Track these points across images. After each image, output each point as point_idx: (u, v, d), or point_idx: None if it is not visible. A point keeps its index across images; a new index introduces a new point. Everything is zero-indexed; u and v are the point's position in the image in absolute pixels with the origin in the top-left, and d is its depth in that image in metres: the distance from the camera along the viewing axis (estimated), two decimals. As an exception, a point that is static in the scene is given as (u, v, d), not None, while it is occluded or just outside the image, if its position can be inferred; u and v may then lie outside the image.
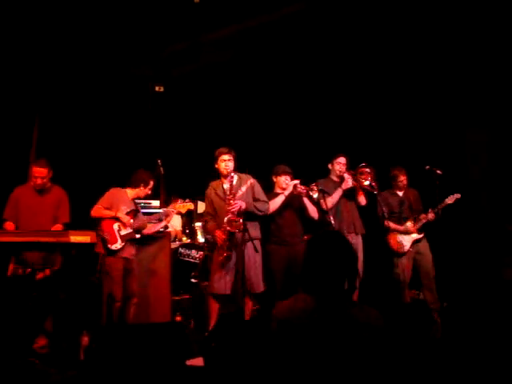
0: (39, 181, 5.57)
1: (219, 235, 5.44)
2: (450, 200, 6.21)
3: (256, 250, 5.43)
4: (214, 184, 5.74)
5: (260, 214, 5.62)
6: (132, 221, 5.62)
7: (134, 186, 5.74)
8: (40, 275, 5.31)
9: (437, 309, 6.07)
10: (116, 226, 5.53)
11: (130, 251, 5.62)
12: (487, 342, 4.67)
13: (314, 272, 2.59)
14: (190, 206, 5.89)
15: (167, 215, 5.84)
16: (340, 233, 3.05)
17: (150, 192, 5.84)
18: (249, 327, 5.02)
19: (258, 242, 5.58)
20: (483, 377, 3.97)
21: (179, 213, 6.12)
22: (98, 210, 5.55)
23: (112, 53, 7.47)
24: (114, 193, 5.67)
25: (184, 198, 5.93)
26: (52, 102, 7.47)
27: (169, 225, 7.23)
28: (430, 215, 6.21)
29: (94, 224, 5.50)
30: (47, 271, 5.33)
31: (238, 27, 7.25)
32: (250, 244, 5.42)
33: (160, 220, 5.88)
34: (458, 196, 6.22)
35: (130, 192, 5.75)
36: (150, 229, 5.85)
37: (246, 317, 5.53)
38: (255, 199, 5.64)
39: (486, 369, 4.09)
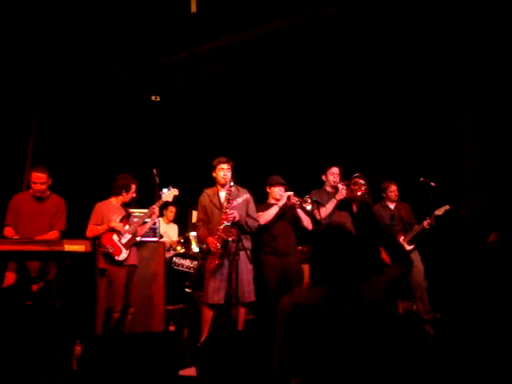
0: (38, 186, 5.58)
1: (212, 242, 5.48)
2: (439, 211, 6.25)
3: (249, 260, 5.48)
4: (208, 191, 5.76)
5: (248, 230, 5.64)
6: (127, 226, 5.64)
7: (117, 193, 5.72)
8: (36, 286, 5.32)
9: (429, 320, 6.09)
10: (115, 236, 5.53)
11: (135, 257, 5.66)
12: (480, 353, 4.68)
13: (322, 263, 2.67)
14: (175, 192, 5.86)
15: (152, 213, 5.80)
16: (343, 226, 3.10)
17: (134, 195, 5.78)
18: (242, 337, 5.04)
19: (249, 252, 5.61)
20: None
21: (167, 202, 6.06)
22: (92, 230, 5.55)
23: (109, 62, 7.51)
24: (100, 207, 5.66)
25: (167, 188, 5.90)
26: (48, 111, 7.49)
27: (164, 235, 7.26)
28: (425, 223, 6.24)
29: (93, 243, 5.51)
30: (41, 283, 5.33)
31: (235, 38, 7.29)
32: (242, 254, 5.49)
33: (146, 222, 5.87)
34: (447, 207, 6.26)
35: (115, 200, 5.73)
36: (142, 230, 5.84)
37: (239, 326, 5.54)
38: (247, 215, 5.69)
39: (479, 380, 4.10)
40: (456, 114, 7.18)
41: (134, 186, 5.75)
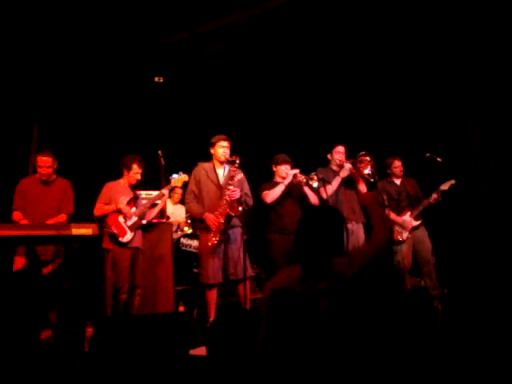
0: (44, 170, 5.61)
1: (214, 219, 5.48)
2: (444, 186, 6.23)
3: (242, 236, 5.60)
4: (204, 165, 5.78)
5: (246, 208, 5.68)
6: (134, 209, 5.67)
7: (122, 174, 5.79)
8: (47, 268, 5.36)
9: (437, 295, 6.11)
10: (121, 218, 5.59)
11: (139, 239, 5.69)
12: (487, 329, 4.70)
13: (302, 242, 2.73)
14: (185, 177, 5.87)
15: (160, 197, 5.88)
16: (336, 209, 3.16)
17: (138, 177, 5.76)
18: (250, 316, 5.07)
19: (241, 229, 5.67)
20: (483, 363, 4.00)
21: (176, 187, 6.12)
22: (99, 209, 5.61)
23: (111, 44, 7.46)
24: (109, 187, 5.73)
25: (177, 173, 5.93)
26: (52, 95, 7.48)
27: (171, 216, 7.28)
28: (432, 198, 6.23)
29: (99, 222, 5.54)
30: (53, 264, 5.37)
31: (237, 17, 7.22)
32: (236, 230, 5.57)
33: (154, 205, 5.92)
34: (452, 182, 6.24)
35: (122, 181, 5.79)
36: (150, 214, 5.88)
37: (246, 305, 5.58)
38: (244, 193, 5.72)
39: (486, 355, 4.12)
40: (462, 90, 7.11)
41: (135, 166, 5.72)
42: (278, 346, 2.55)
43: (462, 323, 5.12)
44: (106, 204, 5.62)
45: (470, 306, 5.48)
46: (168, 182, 5.97)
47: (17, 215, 5.55)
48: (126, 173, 5.75)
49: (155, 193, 6.03)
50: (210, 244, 5.48)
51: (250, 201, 5.78)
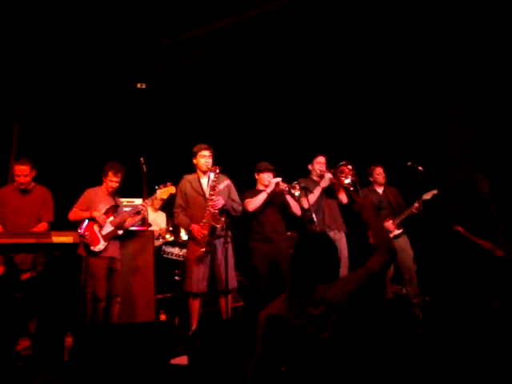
0: (22, 179, 5.54)
1: (198, 230, 5.48)
2: (427, 196, 6.27)
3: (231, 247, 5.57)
4: (189, 177, 5.77)
5: (234, 214, 5.70)
6: (112, 218, 5.60)
7: (102, 181, 5.72)
8: (24, 276, 5.30)
9: (419, 303, 6.14)
10: (96, 226, 5.51)
11: (114, 250, 5.61)
12: (470, 337, 4.73)
13: (294, 270, 2.77)
14: (172, 189, 5.77)
15: (141, 209, 5.76)
16: (326, 234, 3.21)
17: (113, 185, 5.67)
18: (233, 325, 5.06)
19: (230, 239, 5.64)
20: (465, 370, 4.03)
21: (162, 199, 6.04)
22: (74, 213, 5.56)
23: (93, 49, 7.41)
24: (89, 193, 5.66)
25: (162, 183, 5.80)
26: (33, 100, 7.41)
27: (153, 223, 7.23)
28: (413, 208, 6.26)
29: (75, 225, 5.48)
30: (31, 273, 5.31)
31: (220, 24, 7.21)
32: (218, 241, 5.56)
33: (137, 213, 5.82)
34: (434, 192, 6.28)
35: (103, 188, 5.73)
36: (129, 223, 5.80)
37: (224, 315, 5.58)
38: (232, 199, 5.73)
39: (468, 362, 4.15)
40: (442, 98, 7.18)
41: (110, 173, 5.64)
42: (271, 371, 2.63)
43: (443, 331, 5.16)
44: (83, 210, 5.55)
45: (451, 314, 5.52)
46: (152, 191, 5.87)
47: None
48: (103, 179, 5.70)
49: (136, 200, 5.98)
50: (196, 254, 5.50)
51: (238, 207, 5.77)
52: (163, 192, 5.75)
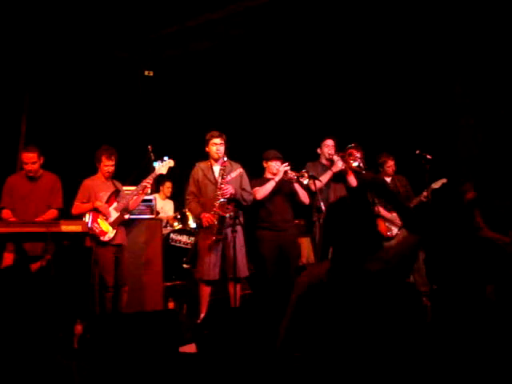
0: (30, 166, 5.55)
1: (208, 218, 5.49)
2: (436, 185, 6.25)
3: (242, 235, 5.58)
4: (201, 165, 5.75)
5: (244, 203, 5.67)
6: (115, 204, 5.57)
7: (96, 168, 5.67)
8: (35, 266, 5.32)
9: (426, 292, 6.14)
10: (101, 217, 5.49)
11: (122, 236, 5.62)
12: (477, 327, 4.73)
13: (330, 236, 2.68)
14: (170, 163, 5.72)
15: (143, 188, 5.67)
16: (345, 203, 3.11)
17: (109, 169, 5.61)
18: (241, 313, 5.08)
19: (242, 227, 5.66)
20: (473, 359, 4.03)
21: (161, 174, 5.88)
22: (77, 207, 5.54)
23: (101, 37, 7.41)
24: (86, 184, 5.61)
25: (162, 161, 5.74)
26: (41, 88, 7.42)
27: (161, 211, 7.25)
28: (422, 196, 6.25)
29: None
30: (42, 261, 5.33)
31: (227, 11, 7.19)
32: (229, 230, 5.51)
33: (140, 191, 5.72)
34: (444, 181, 6.26)
35: (100, 176, 5.67)
36: (134, 203, 5.74)
37: (237, 302, 5.57)
38: (242, 188, 5.70)
39: (476, 353, 4.15)
40: (452, 86, 7.13)
41: (103, 158, 5.60)
42: (303, 339, 2.59)
43: (451, 320, 5.16)
44: (84, 202, 5.52)
45: (458, 303, 5.51)
46: (161, 178, 5.83)
47: (6, 213, 5.51)
48: (97, 165, 5.64)
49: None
50: (208, 242, 5.50)
51: (250, 196, 5.74)
52: (161, 167, 5.67)
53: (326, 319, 2.54)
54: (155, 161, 6.16)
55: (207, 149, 5.71)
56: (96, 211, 5.50)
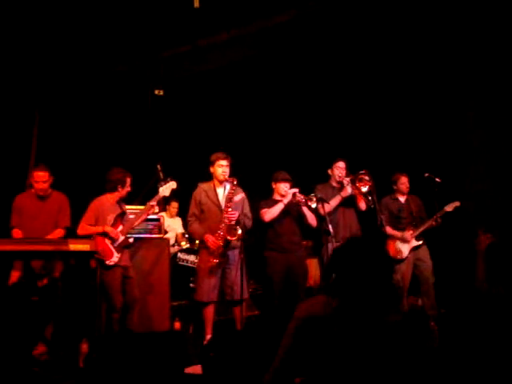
0: (40, 185, 5.59)
1: (213, 241, 5.46)
2: (449, 208, 6.22)
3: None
4: (204, 186, 5.72)
5: (243, 229, 5.58)
6: (121, 227, 5.48)
7: (112, 190, 5.55)
8: (41, 282, 5.33)
9: (434, 316, 6.09)
10: (108, 240, 5.41)
11: (126, 258, 5.55)
12: (485, 351, 4.68)
13: (341, 276, 2.64)
14: (173, 185, 5.62)
15: (148, 210, 5.61)
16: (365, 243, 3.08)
17: (130, 189, 5.62)
18: (247, 334, 5.06)
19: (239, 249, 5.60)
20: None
21: (164, 197, 5.81)
22: (83, 228, 5.42)
23: (112, 56, 7.48)
24: (96, 205, 5.51)
25: (163, 180, 5.66)
26: (52, 107, 7.48)
27: (168, 228, 7.26)
28: (434, 220, 6.23)
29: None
30: (47, 279, 5.34)
31: (238, 32, 7.25)
32: (235, 251, 5.53)
33: (143, 213, 5.66)
34: (457, 204, 6.23)
35: (110, 197, 5.57)
36: (133, 223, 5.61)
37: (238, 325, 5.57)
38: (243, 214, 5.70)
39: (483, 378, 4.11)
40: (462, 107, 7.13)
41: (129, 180, 5.60)
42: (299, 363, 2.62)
43: (459, 345, 5.11)
44: (92, 225, 5.42)
45: (467, 328, 5.47)
46: (169, 197, 5.82)
47: (16, 233, 5.55)
48: (120, 189, 5.56)
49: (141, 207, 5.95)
50: (209, 264, 5.48)
51: (249, 222, 5.74)
52: (164, 189, 5.59)
53: (326, 353, 2.54)
54: (164, 180, 6.18)
55: (212, 169, 5.69)
56: (103, 235, 5.40)
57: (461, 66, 7.08)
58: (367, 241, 2.87)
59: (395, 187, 6.52)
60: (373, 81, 7.58)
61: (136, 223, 5.65)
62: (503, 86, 6.77)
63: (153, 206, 5.61)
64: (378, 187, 6.12)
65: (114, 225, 5.49)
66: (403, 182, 6.44)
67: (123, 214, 5.63)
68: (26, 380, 4.54)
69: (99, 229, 5.40)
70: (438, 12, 6.65)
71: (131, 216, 5.68)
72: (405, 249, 6.33)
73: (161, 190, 5.61)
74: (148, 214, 5.71)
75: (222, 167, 5.62)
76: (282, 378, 2.65)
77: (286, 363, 2.64)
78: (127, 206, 5.81)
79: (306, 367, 2.65)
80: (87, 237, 5.39)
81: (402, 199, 6.50)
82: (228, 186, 5.64)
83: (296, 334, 2.63)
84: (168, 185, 5.61)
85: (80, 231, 5.44)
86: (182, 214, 7.95)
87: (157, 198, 5.62)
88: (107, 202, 5.56)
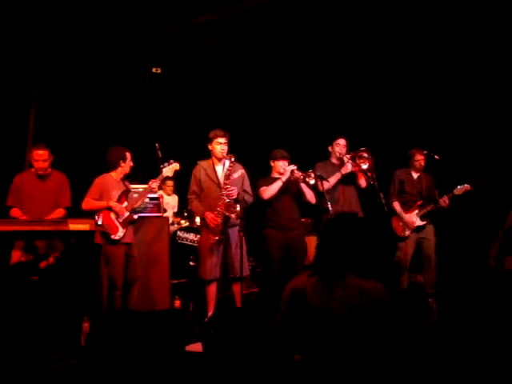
0: (41, 164, 5.59)
1: (212, 218, 5.49)
2: (458, 191, 6.17)
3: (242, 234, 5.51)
4: (203, 164, 5.74)
5: (244, 205, 5.66)
6: (126, 203, 5.55)
7: (114, 167, 5.61)
8: (44, 262, 5.35)
9: (433, 293, 6.12)
10: (113, 215, 5.48)
11: (130, 235, 5.61)
12: (482, 329, 4.72)
13: (323, 254, 2.80)
14: (176, 166, 5.66)
15: (150, 190, 5.66)
16: (354, 216, 3.25)
17: (132, 164, 5.67)
18: (246, 312, 5.09)
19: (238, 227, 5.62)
20: (477, 363, 4.03)
21: (167, 177, 5.95)
22: (88, 203, 5.47)
23: (108, 34, 7.40)
24: (100, 182, 5.56)
25: (168, 161, 5.69)
26: (49, 86, 7.43)
27: (166, 206, 7.27)
28: (441, 202, 6.19)
29: (91, 213, 5.46)
30: (51, 259, 5.37)
31: (235, 9, 7.17)
32: (235, 229, 5.56)
33: (147, 192, 5.75)
34: (467, 187, 6.16)
35: (115, 174, 5.63)
36: (137, 201, 5.71)
37: (238, 302, 5.62)
38: (243, 190, 5.71)
39: (480, 354, 4.15)
40: (459, 91, 7.10)
41: (128, 154, 5.63)
42: (290, 337, 2.81)
43: (457, 322, 5.15)
44: (96, 199, 5.47)
45: (465, 304, 5.51)
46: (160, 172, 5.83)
47: (15, 212, 5.55)
48: (122, 164, 5.61)
49: (143, 186, 5.96)
50: (210, 242, 5.51)
51: (250, 198, 5.77)
52: (167, 170, 5.63)
53: (312, 325, 2.68)
54: (163, 158, 6.18)
55: (210, 147, 5.70)
56: (108, 210, 5.47)
57: (459, 68, 7.03)
58: (351, 218, 3.00)
59: (410, 162, 6.44)
60: (373, 61, 7.52)
61: (139, 202, 5.71)
62: (501, 88, 6.73)
63: (153, 188, 5.65)
64: (378, 165, 6.12)
65: (119, 201, 5.55)
66: (418, 159, 6.36)
67: (128, 191, 5.68)
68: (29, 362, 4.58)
69: (104, 203, 5.45)
70: (440, 13, 6.60)
71: (135, 195, 5.74)
72: (408, 228, 6.32)
73: (164, 170, 5.64)
74: (152, 193, 5.79)
75: (220, 144, 5.62)
76: (282, 340, 2.85)
77: (284, 328, 2.83)
78: (132, 186, 5.87)
79: (301, 342, 2.78)
80: (90, 214, 5.44)
81: (415, 175, 6.44)
82: (227, 163, 5.64)
83: (287, 303, 2.82)
84: (171, 166, 5.64)
85: (84, 206, 5.47)
86: (183, 191, 7.96)
87: (160, 177, 5.67)
88: (111, 178, 5.62)
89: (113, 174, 5.64)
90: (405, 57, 7.23)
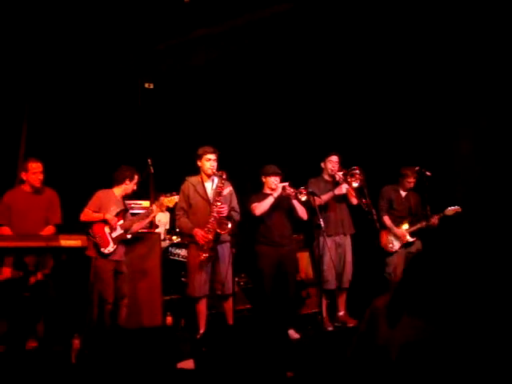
0: (39, 176, 5.55)
1: (203, 236, 5.49)
2: (448, 212, 6.28)
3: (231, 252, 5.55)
4: (192, 180, 5.74)
5: (232, 223, 5.60)
6: (122, 221, 5.61)
7: (120, 183, 5.70)
8: (33, 278, 5.32)
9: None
10: (107, 228, 5.52)
11: (121, 253, 5.62)
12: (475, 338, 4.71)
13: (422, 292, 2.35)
14: (176, 199, 5.69)
15: (149, 214, 5.75)
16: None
17: (135, 187, 5.77)
18: (238, 329, 5.09)
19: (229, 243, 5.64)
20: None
21: (167, 207, 5.94)
22: (86, 214, 5.54)
23: (101, 49, 7.41)
24: (101, 195, 5.64)
25: (169, 192, 5.75)
26: (41, 100, 7.40)
27: (159, 223, 7.24)
28: (432, 221, 6.26)
29: (84, 227, 5.49)
30: (39, 275, 5.34)
31: (228, 25, 7.20)
32: (225, 246, 5.58)
33: (145, 216, 5.80)
34: (458, 209, 6.27)
35: (117, 190, 5.71)
36: (136, 227, 5.79)
37: (229, 319, 5.60)
38: (231, 207, 5.72)
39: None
40: (452, 107, 7.14)
41: (136, 177, 5.75)
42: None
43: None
44: (95, 212, 5.54)
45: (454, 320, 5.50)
46: (157, 194, 5.88)
47: (5, 230, 5.44)
48: (127, 182, 5.69)
49: (144, 202, 5.97)
50: (198, 259, 5.51)
51: (237, 216, 5.77)
52: (169, 200, 5.67)
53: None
54: (155, 174, 6.20)
55: (199, 163, 5.71)
56: (103, 222, 5.50)
57: (452, 85, 7.08)
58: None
59: (401, 180, 6.53)
60: (366, 74, 7.54)
61: (138, 227, 5.79)
62: (495, 106, 6.78)
63: (153, 211, 5.73)
64: (371, 181, 6.14)
65: (117, 217, 5.60)
66: (410, 180, 6.45)
67: (126, 210, 5.76)
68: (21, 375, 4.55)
69: (100, 215, 5.51)
70: (433, 32, 6.67)
71: (131, 216, 5.80)
72: (396, 242, 6.37)
73: (165, 200, 5.67)
74: (149, 219, 5.87)
75: (209, 161, 5.63)
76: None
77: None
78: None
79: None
80: (81, 229, 5.47)
81: (403, 194, 6.54)
82: (216, 180, 5.67)
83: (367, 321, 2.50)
84: (172, 198, 5.68)
85: (83, 217, 5.54)
86: (171, 209, 7.94)
87: (158, 204, 5.72)
88: (113, 194, 5.71)
89: (115, 190, 5.72)
90: (397, 74, 7.26)
